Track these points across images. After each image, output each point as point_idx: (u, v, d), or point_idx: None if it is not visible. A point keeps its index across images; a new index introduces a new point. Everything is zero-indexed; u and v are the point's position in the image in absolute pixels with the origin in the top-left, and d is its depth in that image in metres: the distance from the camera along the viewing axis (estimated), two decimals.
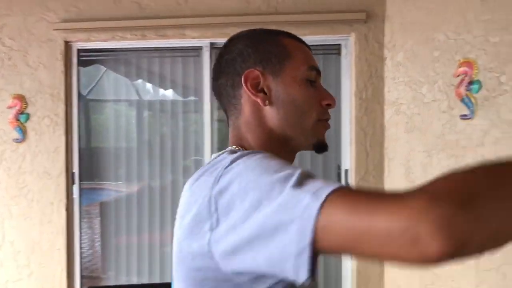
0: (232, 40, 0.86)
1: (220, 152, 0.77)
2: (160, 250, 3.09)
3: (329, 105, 0.83)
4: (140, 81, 3.16)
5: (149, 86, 3.19)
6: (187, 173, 3.08)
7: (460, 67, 2.42)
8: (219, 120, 3.11)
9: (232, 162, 0.66)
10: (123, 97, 3.17)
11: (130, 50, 3.01)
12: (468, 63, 2.40)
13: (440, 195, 0.46)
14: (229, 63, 0.83)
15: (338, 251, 0.53)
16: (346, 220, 0.51)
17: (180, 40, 2.89)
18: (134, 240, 3.10)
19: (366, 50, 2.76)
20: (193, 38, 2.86)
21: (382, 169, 2.78)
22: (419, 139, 2.60)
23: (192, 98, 3.12)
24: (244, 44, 0.83)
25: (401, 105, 2.68)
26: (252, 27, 0.87)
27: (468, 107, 2.41)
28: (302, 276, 0.54)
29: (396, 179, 2.71)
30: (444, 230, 0.44)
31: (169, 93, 3.17)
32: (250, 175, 0.62)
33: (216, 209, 0.63)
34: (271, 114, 0.80)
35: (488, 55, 2.34)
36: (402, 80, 2.67)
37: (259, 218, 0.57)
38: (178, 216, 0.73)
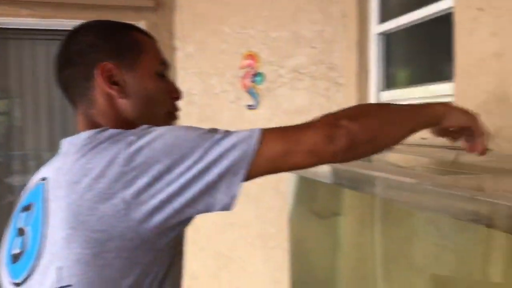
0: (79, 30, 0.86)
1: (90, 132, 0.76)
2: None
3: (177, 98, 0.89)
4: None
5: None
6: None
7: (245, 59, 2.56)
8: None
9: (148, 127, 0.73)
10: None
11: None
12: (252, 56, 2.55)
13: (341, 115, 0.74)
14: (79, 54, 0.84)
15: (270, 170, 0.72)
16: (280, 144, 0.70)
17: None
18: None
19: (157, 40, 2.71)
20: None
21: None
22: None
23: None
24: (95, 35, 0.84)
25: (193, 96, 2.71)
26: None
27: (253, 98, 2.56)
28: (232, 192, 0.69)
29: None
30: (346, 134, 0.71)
31: None
32: (176, 132, 0.71)
33: (134, 167, 0.68)
34: (126, 106, 0.83)
35: (269, 49, 2.52)
36: (193, 71, 2.71)
37: (193, 160, 0.68)
38: (62, 184, 0.74)
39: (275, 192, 2.50)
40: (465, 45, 1.52)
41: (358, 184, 1.15)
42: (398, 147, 1.71)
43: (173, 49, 2.75)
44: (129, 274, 0.72)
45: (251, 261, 2.62)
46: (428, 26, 1.93)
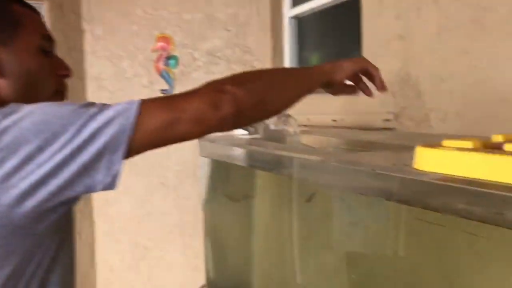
0: None
1: None
2: None
3: (65, 75, 0.83)
4: None
5: None
6: None
7: (157, 42, 2.47)
8: None
9: (17, 105, 0.67)
10: None
11: None
12: (165, 38, 2.46)
13: (227, 81, 0.72)
14: None
15: (154, 143, 0.68)
16: (161, 114, 0.66)
17: None
18: None
19: (62, 21, 2.54)
20: None
21: None
22: None
23: None
24: None
25: (103, 80, 2.58)
26: None
27: (167, 82, 2.49)
28: (113, 171, 0.65)
29: None
30: (232, 99, 0.69)
31: None
32: (46, 109, 0.65)
33: (1, 149, 0.62)
34: (3, 86, 0.75)
35: (182, 31, 2.45)
36: (103, 55, 2.57)
37: (66, 138, 0.62)
38: None
39: (193, 179, 2.46)
40: (371, 27, 1.56)
41: (269, 165, 1.14)
42: (309, 129, 1.73)
43: (80, 31, 2.59)
44: (5, 264, 0.66)
45: (169, 250, 2.56)
46: (338, 9, 1.96)
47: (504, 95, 1.10)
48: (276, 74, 0.83)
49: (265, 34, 2.32)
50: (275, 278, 1.33)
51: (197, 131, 0.70)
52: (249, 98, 0.72)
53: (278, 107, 0.80)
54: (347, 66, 0.88)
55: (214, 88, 0.71)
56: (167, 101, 0.70)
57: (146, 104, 0.66)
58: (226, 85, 0.71)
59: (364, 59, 0.92)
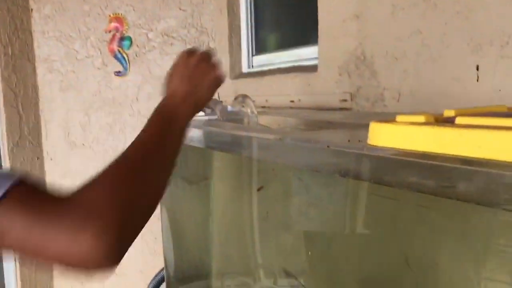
0: None
1: None
2: None
3: None
4: None
5: None
6: None
7: (111, 22, 2.39)
8: None
9: None
10: None
11: None
12: (118, 18, 2.38)
13: (104, 208, 0.55)
14: None
15: (8, 250, 0.54)
16: (21, 229, 0.52)
17: None
18: None
19: (8, 0, 2.41)
20: None
21: (39, 133, 2.54)
22: (75, 98, 2.48)
23: None
24: None
25: (53, 62, 2.48)
26: None
27: (122, 64, 2.41)
28: None
29: (55, 142, 2.53)
30: (111, 251, 0.55)
31: None
32: None
33: None
34: None
35: (136, 11, 2.38)
36: (53, 35, 2.47)
37: None
38: None
39: None
40: (327, 7, 1.56)
41: (226, 145, 1.13)
42: (267, 110, 1.72)
43: (27, 10, 2.47)
44: None
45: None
46: None
47: (454, 73, 1.12)
48: (157, 165, 0.70)
49: (221, 14, 2.28)
50: (234, 259, 1.32)
51: (59, 269, 0.56)
52: (133, 227, 0.59)
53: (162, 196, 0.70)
54: (208, 97, 0.90)
55: (92, 232, 0.53)
56: (34, 216, 0.53)
57: (5, 207, 0.52)
58: (105, 217, 0.54)
59: (217, 78, 0.93)
